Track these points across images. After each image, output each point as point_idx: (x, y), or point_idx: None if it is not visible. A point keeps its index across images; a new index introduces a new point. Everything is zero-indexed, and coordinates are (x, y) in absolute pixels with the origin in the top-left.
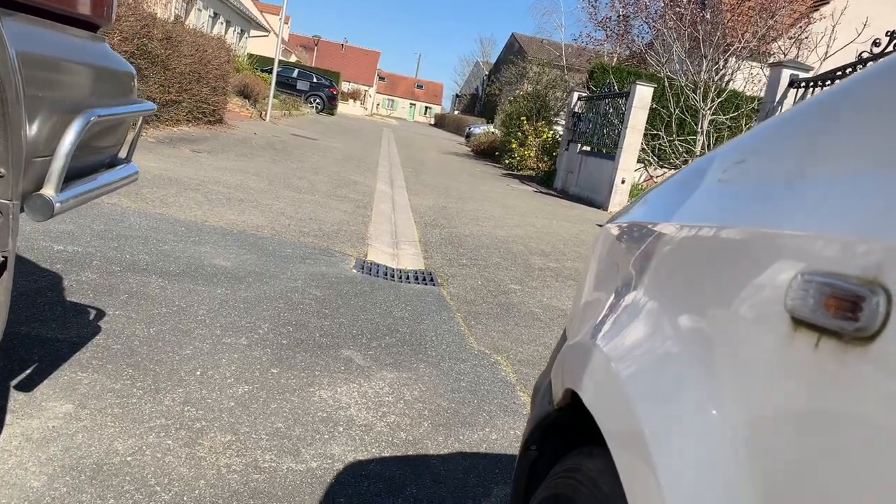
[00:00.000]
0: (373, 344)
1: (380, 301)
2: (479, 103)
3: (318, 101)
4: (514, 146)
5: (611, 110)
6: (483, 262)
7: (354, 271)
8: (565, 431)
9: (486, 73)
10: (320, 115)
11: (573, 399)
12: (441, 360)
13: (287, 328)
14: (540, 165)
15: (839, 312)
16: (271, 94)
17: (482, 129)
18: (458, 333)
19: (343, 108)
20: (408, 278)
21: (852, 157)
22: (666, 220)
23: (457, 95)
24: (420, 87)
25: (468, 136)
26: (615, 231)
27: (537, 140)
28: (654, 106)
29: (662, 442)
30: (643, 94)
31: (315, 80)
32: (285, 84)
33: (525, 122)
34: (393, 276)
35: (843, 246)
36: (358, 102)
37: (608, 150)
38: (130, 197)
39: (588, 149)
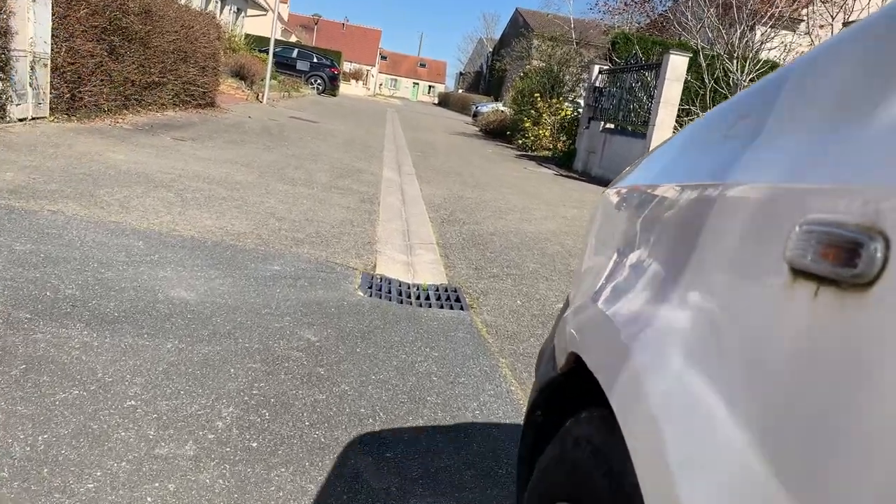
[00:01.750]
0: (392, 437)
1: (396, 344)
2: (483, 81)
3: (319, 81)
4: (527, 125)
5: (637, 84)
6: (517, 270)
7: (360, 293)
8: (570, 396)
9: (491, 49)
10: (322, 97)
11: (576, 363)
12: (496, 465)
13: (261, 413)
14: (557, 145)
15: (837, 260)
16: (268, 75)
17: (490, 108)
18: (508, 399)
19: (345, 88)
20: (428, 299)
21: (849, 108)
22: (666, 181)
23: (461, 74)
24: (423, 65)
25: (475, 116)
26: (615, 196)
27: (552, 118)
28: (686, 78)
29: (665, 399)
30: (677, 65)
31: (315, 59)
32: (285, 65)
33: (539, 98)
34: (410, 298)
35: (841, 195)
36: (360, 83)
37: (635, 128)
38: (82, 200)
39: (612, 127)
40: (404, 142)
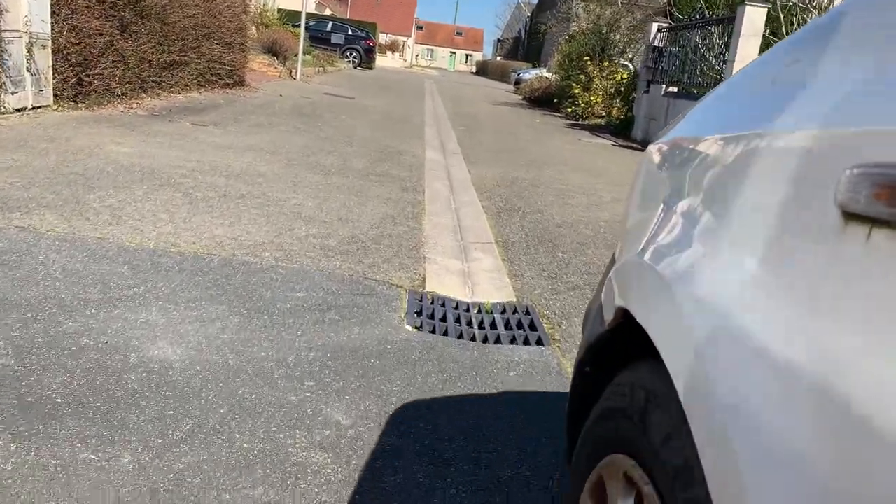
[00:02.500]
0: None
1: (464, 430)
2: (522, 47)
3: (354, 55)
4: (576, 91)
5: (705, 42)
6: (601, 276)
7: (408, 327)
8: (618, 351)
9: (529, 14)
10: (357, 70)
11: (624, 318)
12: None
13: None
14: (611, 112)
15: (890, 200)
16: (301, 50)
17: (534, 74)
18: None
19: (381, 60)
20: (494, 327)
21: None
22: (712, 133)
23: (498, 40)
24: (459, 34)
25: (517, 83)
26: (660, 151)
27: (605, 83)
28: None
29: (716, 346)
30: (754, 18)
31: (350, 32)
32: (319, 39)
33: (589, 62)
34: (472, 327)
35: (892, 136)
36: (396, 54)
37: (702, 91)
38: (64, 210)
39: (675, 90)
40: (446, 116)
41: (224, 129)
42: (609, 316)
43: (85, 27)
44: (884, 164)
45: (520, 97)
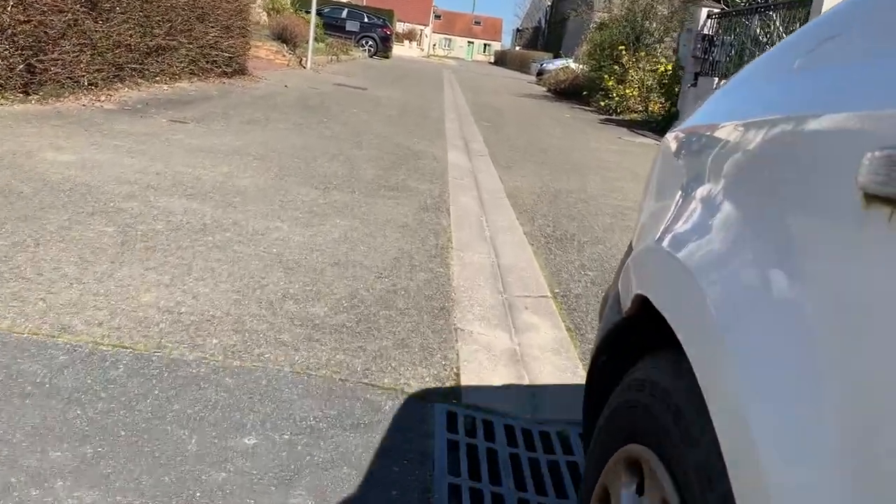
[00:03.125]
0: None
1: None
2: (542, 37)
3: (370, 43)
4: (609, 84)
5: (766, 29)
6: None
7: None
8: (635, 340)
9: (549, 3)
10: (373, 60)
11: (642, 306)
12: None
13: None
14: (649, 107)
15: None
16: (311, 37)
17: (559, 64)
18: None
19: (398, 49)
20: (578, 473)
21: None
22: (730, 119)
23: (518, 30)
24: (478, 23)
25: (540, 74)
26: (679, 138)
27: (641, 74)
28: None
29: (736, 334)
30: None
31: (367, 20)
32: (334, 26)
33: (624, 52)
34: (544, 483)
35: None
36: (414, 43)
37: None
38: None
39: None
40: (467, 109)
41: (207, 127)
42: (627, 304)
43: (37, 2)
44: None
45: (544, 89)
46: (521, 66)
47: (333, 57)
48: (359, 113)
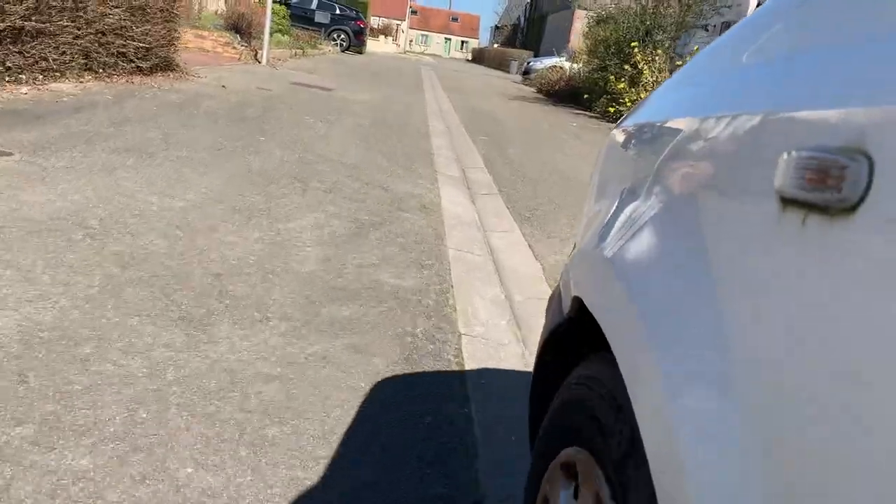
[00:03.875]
0: None
1: None
2: (521, 34)
3: (342, 36)
4: (620, 87)
5: None
6: None
7: None
8: (578, 341)
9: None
10: (345, 55)
11: (581, 307)
12: None
13: None
14: None
15: (823, 185)
16: (267, 26)
17: (550, 63)
18: None
19: (373, 45)
20: None
21: (836, 30)
22: (668, 116)
23: (496, 27)
24: (455, 20)
25: (526, 74)
26: (614, 138)
27: (659, 75)
28: None
29: (661, 337)
30: None
31: (339, 11)
32: (303, 17)
33: (637, 49)
34: None
35: (826, 118)
36: (390, 39)
37: None
38: None
39: None
40: (455, 117)
41: (41, 165)
42: (567, 304)
43: None
44: (816, 146)
45: (532, 90)
46: (500, 63)
47: (298, 51)
48: (315, 124)
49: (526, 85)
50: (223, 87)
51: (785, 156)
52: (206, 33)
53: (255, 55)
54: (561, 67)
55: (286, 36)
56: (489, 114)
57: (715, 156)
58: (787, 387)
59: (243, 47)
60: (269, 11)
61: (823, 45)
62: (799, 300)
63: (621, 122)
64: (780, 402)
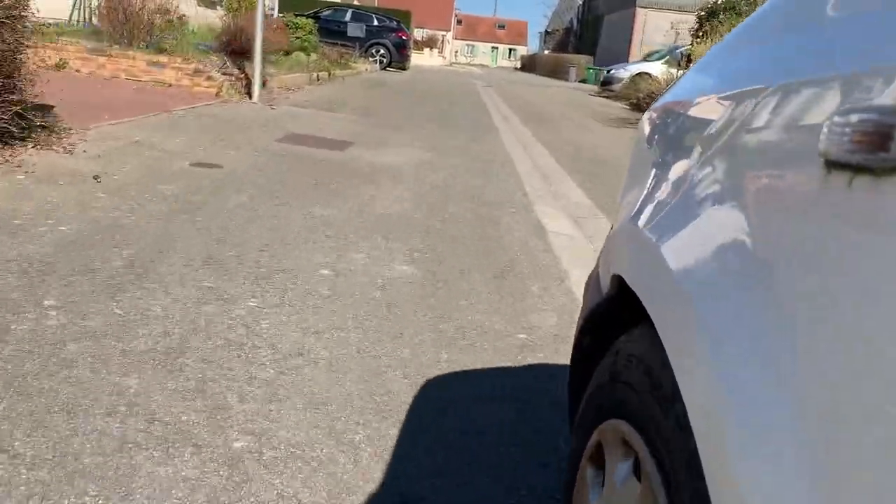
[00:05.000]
0: None
1: None
2: (574, 38)
3: (382, 51)
4: None
5: None
6: None
7: None
8: (617, 320)
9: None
10: (386, 73)
11: (620, 286)
12: None
13: None
14: None
15: (869, 146)
16: (257, 46)
17: (636, 69)
18: None
19: (417, 58)
20: None
21: None
22: (701, 94)
23: (546, 32)
24: (502, 27)
25: (606, 84)
26: (651, 117)
27: None
28: None
29: (705, 309)
30: None
31: (376, 22)
32: (335, 32)
33: None
34: None
35: (870, 80)
36: (435, 51)
37: None
38: None
39: None
40: (582, 196)
41: None
42: (605, 283)
43: None
44: (862, 108)
45: (623, 105)
46: (553, 71)
47: (321, 73)
48: (245, 339)
49: (608, 97)
50: (96, 178)
51: (831, 119)
52: (164, 59)
53: (248, 86)
54: (653, 76)
55: (310, 55)
56: (614, 165)
57: (755, 125)
58: (843, 370)
59: (227, 77)
60: (258, 23)
61: (868, 11)
62: (845, 262)
63: (655, 102)
64: (832, 373)
